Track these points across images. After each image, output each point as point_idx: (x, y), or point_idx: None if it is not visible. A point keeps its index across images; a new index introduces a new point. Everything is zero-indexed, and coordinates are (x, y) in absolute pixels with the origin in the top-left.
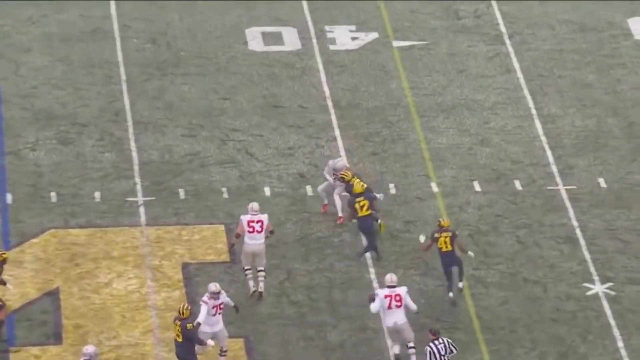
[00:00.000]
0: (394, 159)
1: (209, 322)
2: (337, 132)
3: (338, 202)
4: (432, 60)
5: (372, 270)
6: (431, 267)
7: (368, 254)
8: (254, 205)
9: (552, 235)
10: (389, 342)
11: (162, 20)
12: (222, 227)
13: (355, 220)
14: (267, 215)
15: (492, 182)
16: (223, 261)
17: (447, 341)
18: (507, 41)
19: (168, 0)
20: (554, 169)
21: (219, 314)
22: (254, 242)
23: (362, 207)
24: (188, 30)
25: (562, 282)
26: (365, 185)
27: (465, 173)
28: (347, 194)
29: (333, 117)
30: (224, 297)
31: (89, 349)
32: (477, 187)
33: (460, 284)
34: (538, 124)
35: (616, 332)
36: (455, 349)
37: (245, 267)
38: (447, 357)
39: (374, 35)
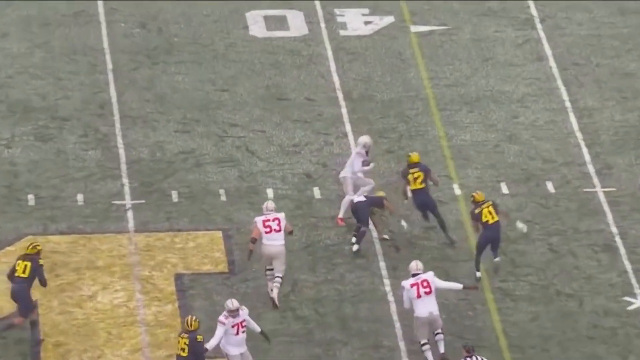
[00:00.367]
0: None
1: (234, 342)
2: (348, 128)
3: (345, 200)
4: (454, 47)
5: (386, 281)
6: (452, 277)
7: (384, 264)
8: (269, 204)
9: (588, 243)
10: (418, 334)
11: (152, 2)
12: (219, 234)
13: (409, 196)
14: (284, 214)
15: (521, 184)
16: (221, 272)
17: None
18: (539, 25)
19: None
20: (591, 168)
21: (243, 332)
22: (272, 242)
23: (415, 179)
24: (182, 13)
25: (599, 296)
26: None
27: (491, 173)
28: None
29: (343, 111)
30: (245, 314)
31: None
32: (505, 189)
33: (498, 259)
34: (573, 119)
35: None
36: None
37: (267, 267)
38: None
39: (389, 19)
